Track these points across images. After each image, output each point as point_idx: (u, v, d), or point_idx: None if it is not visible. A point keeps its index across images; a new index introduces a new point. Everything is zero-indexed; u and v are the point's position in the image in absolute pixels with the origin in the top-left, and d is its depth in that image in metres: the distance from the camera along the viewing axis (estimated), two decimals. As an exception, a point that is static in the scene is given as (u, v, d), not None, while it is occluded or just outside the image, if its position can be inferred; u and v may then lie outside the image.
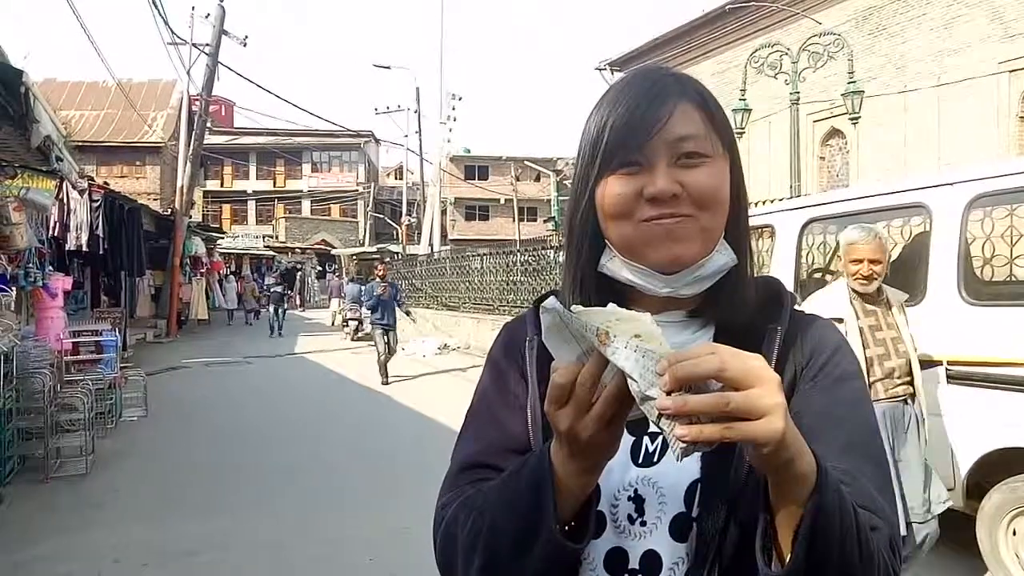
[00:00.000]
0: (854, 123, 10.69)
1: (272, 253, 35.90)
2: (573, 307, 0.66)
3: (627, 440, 0.79)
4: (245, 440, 7.12)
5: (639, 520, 0.80)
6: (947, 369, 3.49)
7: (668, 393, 0.60)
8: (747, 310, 0.85)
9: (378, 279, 11.00)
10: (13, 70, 5.87)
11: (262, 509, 4.96)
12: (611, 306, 0.66)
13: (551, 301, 0.68)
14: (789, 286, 4.50)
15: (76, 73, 29.98)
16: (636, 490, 0.81)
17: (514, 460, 0.82)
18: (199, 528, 4.59)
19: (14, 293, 7.26)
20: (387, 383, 10.51)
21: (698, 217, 0.80)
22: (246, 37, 19.38)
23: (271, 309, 19.43)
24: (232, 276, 26.55)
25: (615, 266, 0.85)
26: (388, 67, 27.92)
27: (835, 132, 15.14)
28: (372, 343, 11.57)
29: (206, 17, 18.76)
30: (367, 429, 7.75)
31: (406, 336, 16.38)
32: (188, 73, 18.70)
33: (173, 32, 17.70)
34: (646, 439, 0.84)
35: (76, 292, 11.97)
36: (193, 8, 19.11)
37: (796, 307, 0.90)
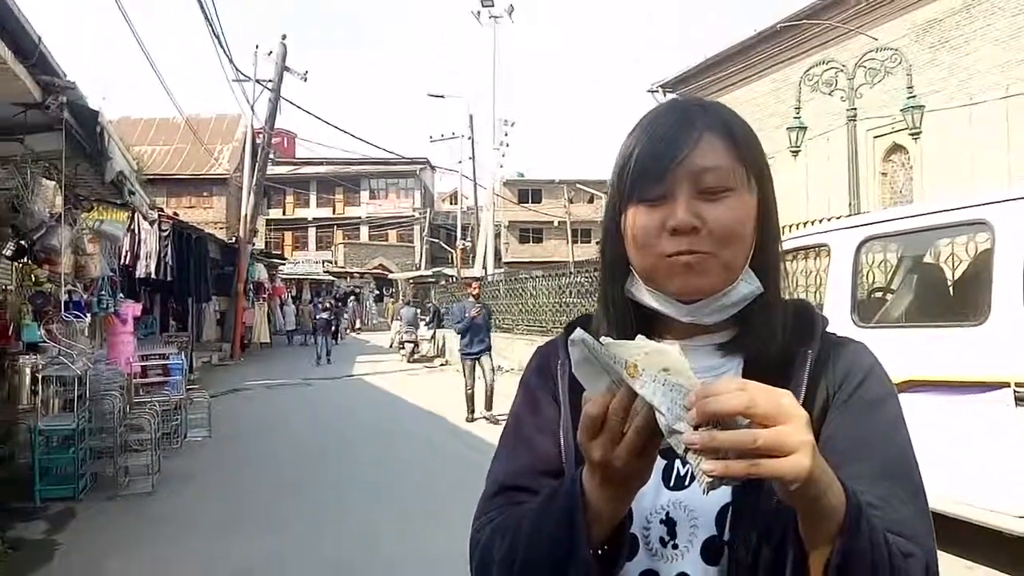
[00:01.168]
0: (915, 138, 10.37)
1: (331, 278, 36.78)
2: (603, 339, 0.67)
3: (659, 463, 0.79)
4: (304, 460, 7.27)
5: (671, 543, 0.81)
6: (1015, 391, 3.34)
7: (696, 427, 0.60)
8: (776, 336, 0.84)
9: (471, 298, 9.66)
10: (89, 110, 6.24)
11: (320, 529, 5.06)
12: (640, 338, 0.67)
13: (579, 333, 0.69)
14: (847, 306, 4.43)
15: (149, 110, 31.40)
16: (668, 513, 0.82)
17: (547, 482, 0.84)
18: (257, 546, 4.71)
19: (89, 319, 7.65)
20: (472, 419, 9.33)
21: (718, 254, 0.80)
22: (306, 72, 20.12)
23: (316, 338, 19.17)
24: (293, 300, 27.29)
25: (639, 292, 0.87)
26: (442, 96, 28.52)
27: (897, 148, 14.69)
28: (428, 365, 11.33)
29: (269, 54, 19.58)
30: (422, 451, 7.82)
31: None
32: (252, 108, 19.49)
33: (237, 69, 18.51)
34: (677, 463, 0.84)
35: (146, 318, 12.51)
36: (257, 46, 19.99)
37: (828, 330, 0.89)
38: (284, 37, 19.61)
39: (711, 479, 0.60)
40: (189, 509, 5.59)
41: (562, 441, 0.88)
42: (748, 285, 0.84)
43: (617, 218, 0.87)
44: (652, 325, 0.87)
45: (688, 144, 0.81)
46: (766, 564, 0.74)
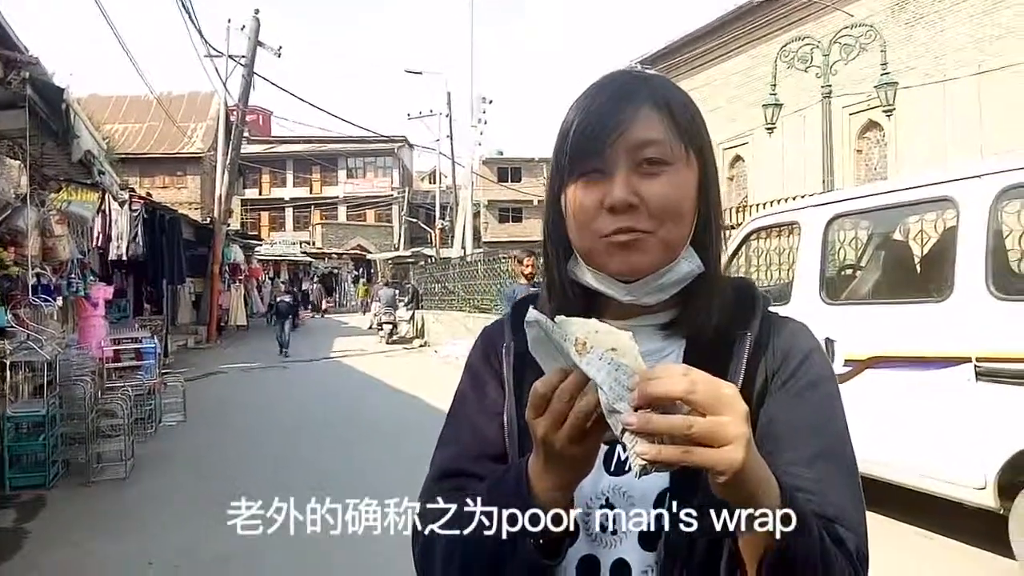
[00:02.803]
0: (888, 115, 10.44)
1: (309, 259, 36.50)
2: (558, 317, 0.66)
3: (600, 448, 0.80)
4: (281, 444, 7.25)
5: (611, 529, 0.81)
6: (976, 366, 3.40)
7: (636, 409, 0.60)
8: (718, 316, 0.84)
9: (523, 280, 7.08)
10: (54, 87, 6.09)
11: (297, 511, 5.05)
12: (593, 320, 0.66)
13: (533, 314, 0.68)
14: (815, 283, 4.47)
15: (120, 87, 30.76)
16: (608, 499, 0.82)
17: (492, 467, 0.84)
18: (232, 532, 4.67)
19: (60, 302, 7.53)
20: None
21: (656, 232, 0.79)
22: (280, 47, 19.75)
23: (277, 324, 16.41)
24: (270, 282, 27.07)
25: (581, 272, 0.85)
26: (420, 72, 28.20)
27: (872, 124, 14.80)
28: (407, 346, 11.39)
29: (241, 29, 19.20)
30: (400, 432, 7.83)
31: (440, 339, 16.52)
32: (224, 84, 19.13)
33: (209, 44, 18.12)
34: (619, 448, 0.84)
35: (119, 301, 12.34)
36: (229, 21, 19.56)
37: (770, 309, 0.89)
38: (257, 12, 19.23)
39: (644, 463, 0.60)
40: (164, 494, 5.55)
41: (506, 425, 0.88)
42: (689, 263, 0.83)
43: (558, 195, 0.86)
44: (595, 305, 0.86)
45: (626, 118, 0.79)
46: (700, 551, 0.75)
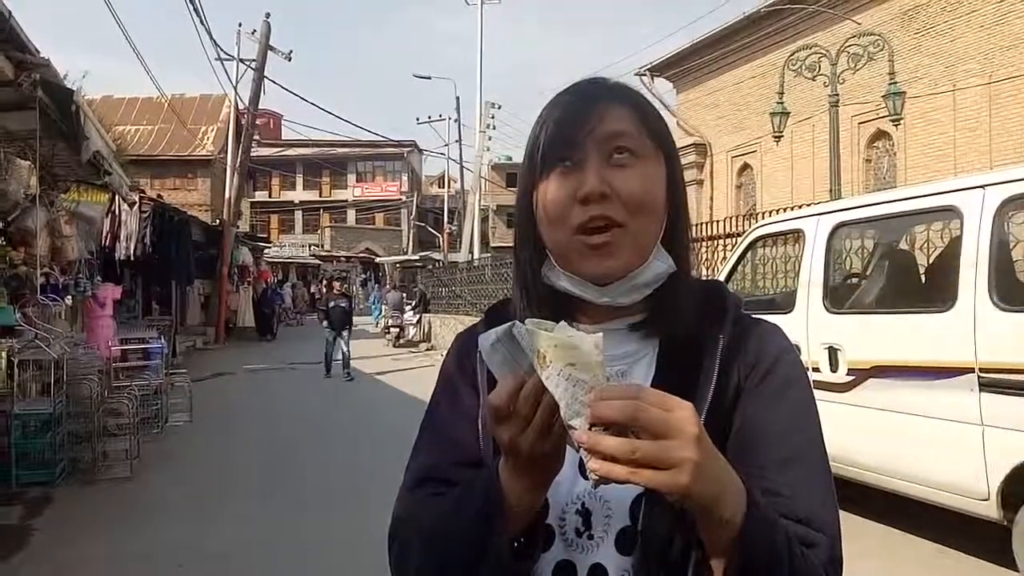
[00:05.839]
0: (896, 125, 10.41)
1: (318, 262, 36.61)
2: (527, 321, 0.67)
3: (575, 455, 0.81)
4: (285, 445, 7.28)
5: (586, 533, 0.81)
6: (979, 376, 3.38)
7: (591, 427, 0.62)
8: (690, 317, 0.85)
9: None
10: (64, 89, 6.15)
11: (298, 513, 5.07)
12: (562, 324, 0.67)
13: (484, 339, 0.70)
14: (819, 290, 4.46)
15: (133, 89, 30.92)
16: (583, 503, 0.82)
17: (467, 473, 0.84)
18: (235, 530, 4.72)
19: (69, 302, 7.59)
20: None
21: (628, 225, 0.80)
22: (291, 52, 19.87)
23: (329, 336, 12.38)
24: (279, 286, 27.12)
25: (555, 276, 0.86)
26: (429, 77, 28.37)
27: (881, 134, 14.74)
28: (414, 350, 11.00)
29: (252, 33, 19.33)
30: (406, 436, 7.82)
31: (447, 343, 16.51)
32: (235, 88, 19.25)
33: (219, 48, 18.26)
34: None
35: (128, 301, 12.40)
36: (240, 24, 19.71)
37: (743, 311, 0.89)
38: (268, 16, 19.37)
39: (596, 477, 0.62)
40: (168, 493, 5.59)
41: (480, 431, 0.88)
42: (661, 263, 0.84)
43: (529, 199, 0.86)
44: (568, 308, 0.86)
45: (595, 114, 0.81)
46: (676, 554, 0.75)
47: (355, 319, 13.65)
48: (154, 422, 7.52)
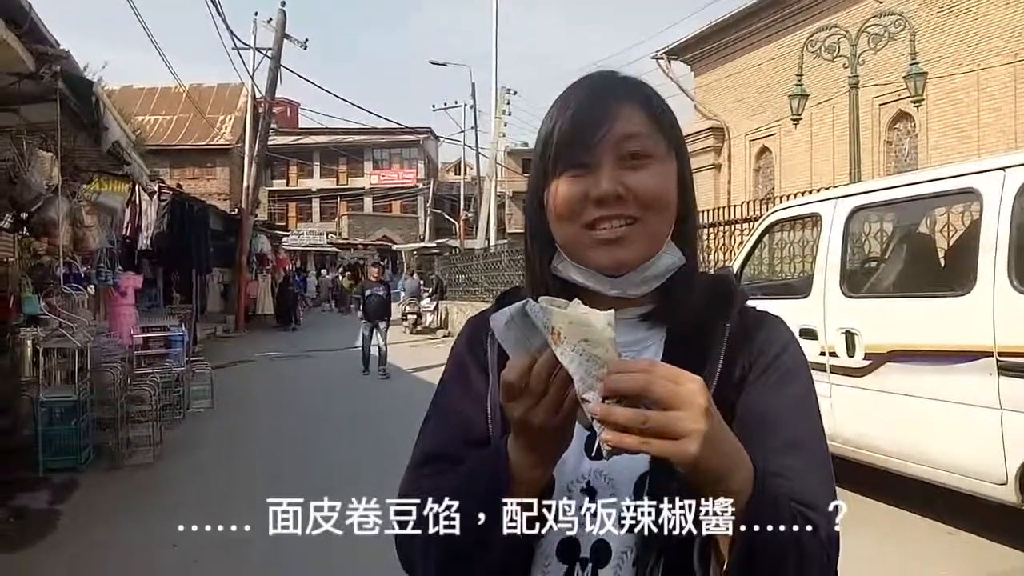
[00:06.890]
0: (917, 106, 10.23)
1: (335, 249, 36.81)
2: (541, 299, 0.69)
3: (582, 433, 0.82)
4: (306, 431, 7.37)
5: (591, 511, 0.83)
6: (998, 360, 3.35)
7: (604, 400, 0.64)
8: (697, 308, 0.87)
9: None
10: (84, 80, 6.21)
11: (321, 497, 5.13)
12: (575, 302, 0.70)
13: (496, 316, 0.72)
14: (837, 274, 4.42)
15: (151, 80, 31.15)
16: (589, 482, 0.84)
17: (474, 452, 0.86)
18: (256, 516, 4.79)
19: (92, 291, 7.71)
20: None
21: (643, 219, 0.82)
22: (307, 40, 19.89)
23: (365, 329, 11.19)
24: (299, 273, 27.35)
25: (565, 268, 0.88)
26: (444, 64, 28.40)
27: (903, 115, 14.50)
28: (431, 337, 10.76)
29: (268, 22, 19.36)
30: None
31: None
32: (252, 77, 19.34)
33: (236, 37, 18.31)
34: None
35: (149, 290, 12.57)
36: (256, 14, 19.75)
37: (748, 303, 0.91)
38: (283, 4, 19.39)
39: (609, 447, 0.64)
40: (190, 479, 5.69)
41: (489, 410, 0.90)
42: (671, 256, 0.86)
43: (540, 194, 0.88)
44: (578, 299, 0.88)
45: (609, 115, 0.82)
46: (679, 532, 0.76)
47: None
48: (176, 409, 7.64)
